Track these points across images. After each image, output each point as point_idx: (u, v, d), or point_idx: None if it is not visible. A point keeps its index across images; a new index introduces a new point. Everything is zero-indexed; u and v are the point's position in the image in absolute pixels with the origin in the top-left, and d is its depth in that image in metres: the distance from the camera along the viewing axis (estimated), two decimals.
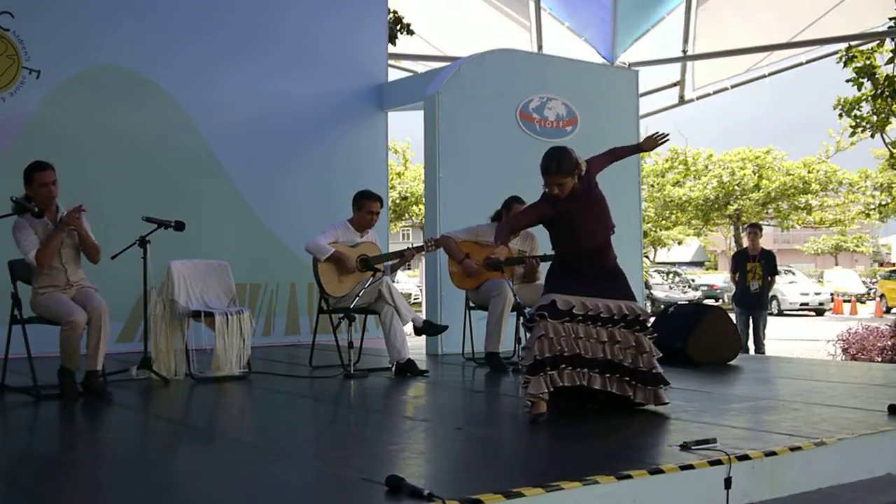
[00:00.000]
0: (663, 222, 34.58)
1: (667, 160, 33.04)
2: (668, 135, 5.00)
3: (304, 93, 9.35)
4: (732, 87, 14.42)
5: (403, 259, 6.80)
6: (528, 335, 4.49)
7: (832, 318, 23.76)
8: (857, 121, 13.11)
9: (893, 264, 40.18)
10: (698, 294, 30.78)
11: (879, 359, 9.89)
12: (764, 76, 14.04)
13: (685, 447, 3.52)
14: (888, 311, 25.91)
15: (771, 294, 12.27)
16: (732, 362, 7.02)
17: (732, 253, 13.02)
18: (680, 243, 43.60)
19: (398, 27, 11.70)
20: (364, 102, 9.76)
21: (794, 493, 3.54)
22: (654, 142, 4.98)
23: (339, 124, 9.57)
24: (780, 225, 34.39)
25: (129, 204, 7.30)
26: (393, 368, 6.49)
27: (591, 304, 4.43)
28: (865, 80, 12.08)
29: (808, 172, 31.20)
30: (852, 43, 12.17)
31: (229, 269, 6.57)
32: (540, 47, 13.57)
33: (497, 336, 6.70)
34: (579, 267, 4.52)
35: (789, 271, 27.96)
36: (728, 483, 3.33)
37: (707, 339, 6.97)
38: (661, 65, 14.50)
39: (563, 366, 4.36)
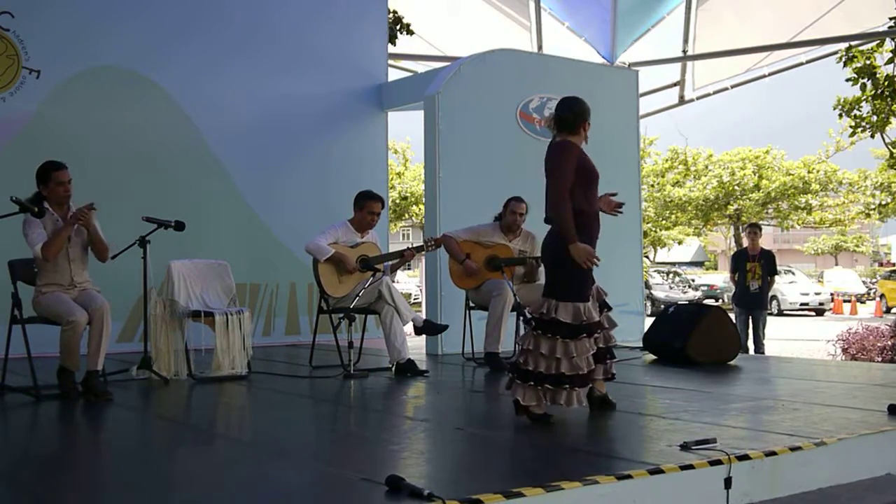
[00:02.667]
0: (663, 222, 34.58)
1: (667, 160, 33.05)
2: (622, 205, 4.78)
3: (304, 93, 9.35)
4: (732, 87, 14.40)
5: (403, 259, 6.80)
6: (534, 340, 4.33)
7: (832, 318, 23.76)
8: (857, 121, 13.11)
9: (893, 264, 40.18)
10: (698, 294, 30.76)
11: (879, 359, 9.89)
12: (764, 76, 14.03)
13: (685, 447, 3.52)
14: (888, 311, 25.90)
15: (771, 294, 12.28)
16: (732, 362, 7.02)
17: (732, 253, 13.02)
18: (680, 243, 43.60)
19: (398, 27, 11.70)
20: (364, 102, 9.75)
21: (794, 493, 3.54)
22: (609, 205, 4.67)
23: (339, 124, 9.57)
24: (780, 225, 34.39)
25: (129, 204, 7.31)
26: (393, 368, 6.49)
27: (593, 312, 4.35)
28: (865, 80, 12.08)
29: (808, 172, 31.20)
30: (852, 43, 12.17)
31: (229, 269, 6.57)
32: (540, 47, 13.56)
33: (497, 336, 6.71)
34: (591, 233, 4.41)
35: (789, 271, 27.95)
36: (728, 483, 3.33)
37: (707, 339, 6.97)
38: (661, 65, 14.49)
39: (566, 385, 4.24)
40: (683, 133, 36.81)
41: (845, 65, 12.24)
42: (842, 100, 13.17)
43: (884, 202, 28.25)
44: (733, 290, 10.41)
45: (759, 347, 9.77)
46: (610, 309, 4.60)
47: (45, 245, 5.23)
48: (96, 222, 5.45)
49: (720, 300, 30.67)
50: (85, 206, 5.34)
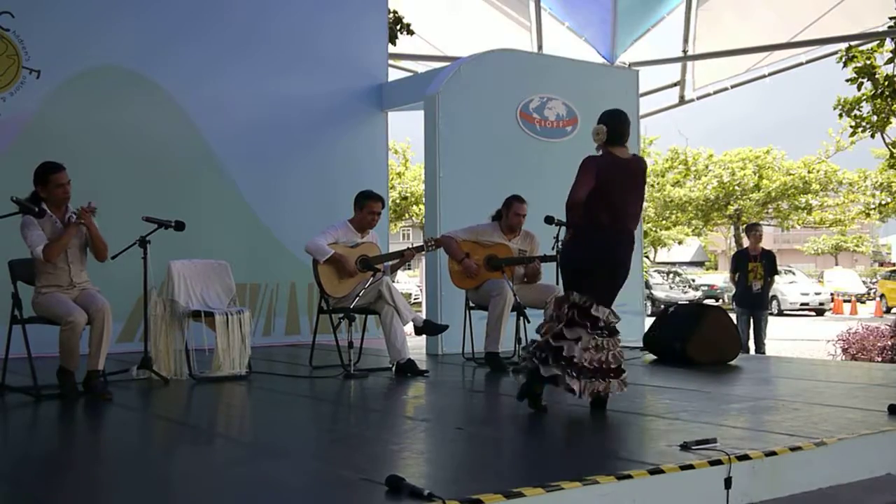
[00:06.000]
0: (663, 222, 34.60)
1: (667, 160, 33.06)
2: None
3: (305, 93, 9.34)
4: (732, 87, 14.40)
5: (403, 259, 6.80)
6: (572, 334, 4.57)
7: (832, 318, 23.75)
8: (857, 121, 13.11)
9: (893, 264, 40.17)
10: (698, 294, 30.76)
11: (879, 359, 9.89)
12: (764, 76, 14.03)
13: (685, 447, 3.52)
14: (888, 311, 25.90)
15: (771, 294, 12.25)
16: (732, 362, 7.01)
17: (733, 253, 12.98)
18: (680, 243, 43.61)
19: (398, 27, 11.69)
20: (364, 102, 9.75)
21: (794, 493, 3.54)
22: None
23: (339, 124, 9.56)
24: (780, 225, 34.40)
25: (129, 204, 7.30)
26: (393, 368, 6.49)
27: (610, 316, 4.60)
28: (865, 80, 12.08)
29: (808, 172, 31.21)
30: (852, 43, 12.17)
31: (229, 269, 6.57)
32: (540, 47, 13.56)
33: (497, 336, 6.70)
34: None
35: (789, 271, 27.94)
36: (728, 483, 3.33)
37: (707, 339, 6.97)
38: (661, 65, 14.49)
39: (593, 379, 4.51)
40: (683, 131, 36.86)
41: (845, 65, 12.24)
42: (842, 100, 13.18)
43: (884, 202, 28.24)
44: (733, 291, 10.40)
45: (759, 347, 9.77)
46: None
47: (46, 247, 5.23)
48: (95, 222, 5.45)
49: (720, 300, 30.67)
50: (86, 208, 5.34)
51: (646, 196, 6.12)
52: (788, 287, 26.28)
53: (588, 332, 4.49)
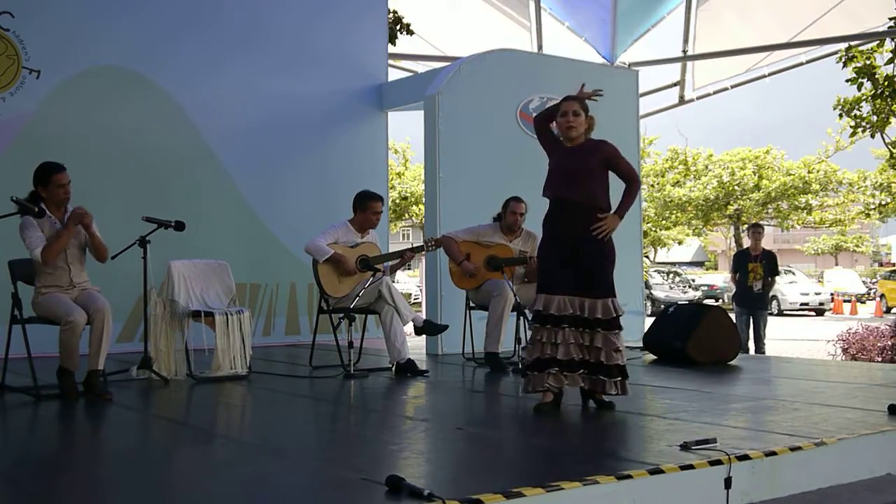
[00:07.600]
0: (663, 222, 34.58)
1: (667, 160, 33.05)
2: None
3: (304, 93, 9.35)
4: (732, 87, 14.42)
5: (403, 260, 6.80)
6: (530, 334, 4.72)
7: (832, 318, 23.75)
8: (857, 121, 13.11)
9: (893, 264, 40.16)
10: (698, 294, 30.77)
11: (879, 359, 9.89)
12: (764, 76, 14.04)
13: (685, 447, 3.52)
14: (888, 311, 25.90)
15: (771, 294, 12.25)
16: (732, 362, 7.02)
17: (734, 253, 12.97)
18: (680, 243, 43.60)
19: (398, 27, 11.70)
20: (364, 102, 9.75)
21: (794, 493, 3.54)
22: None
23: (339, 124, 9.57)
24: (780, 225, 34.40)
25: (129, 204, 7.30)
26: (393, 368, 6.49)
27: (576, 305, 4.57)
28: (865, 80, 12.09)
29: (808, 172, 31.21)
30: (852, 43, 12.18)
31: (229, 269, 6.57)
32: (540, 47, 13.57)
33: (497, 336, 6.71)
34: (566, 229, 4.64)
35: (789, 271, 27.94)
36: (728, 483, 3.33)
37: (707, 339, 6.97)
38: (661, 65, 14.50)
39: (556, 369, 4.58)
40: (683, 131, 36.84)
41: (845, 65, 12.25)
42: (842, 100, 13.18)
43: (884, 202, 28.23)
44: (734, 291, 10.40)
45: (759, 347, 9.77)
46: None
47: (45, 248, 5.23)
48: (94, 223, 5.45)
49: (720, 300, 30.68)
50: (81, 209, 5.33)
51: (645, 196, 6.09)
52: (788, 287, 26.27)
53: (536, 325, 4.59)
